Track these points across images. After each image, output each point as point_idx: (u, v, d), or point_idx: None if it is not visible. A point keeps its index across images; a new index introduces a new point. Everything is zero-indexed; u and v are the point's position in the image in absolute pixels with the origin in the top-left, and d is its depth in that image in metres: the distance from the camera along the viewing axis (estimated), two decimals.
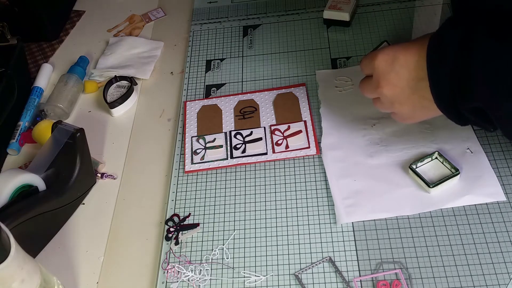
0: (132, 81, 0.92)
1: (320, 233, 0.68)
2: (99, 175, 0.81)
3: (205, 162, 0.78)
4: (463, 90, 0.56)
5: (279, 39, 0.95)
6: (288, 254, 0.67)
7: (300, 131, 0.79)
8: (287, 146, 0.78)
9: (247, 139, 0.80)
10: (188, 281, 0.67)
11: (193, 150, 0.80)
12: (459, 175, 0.69)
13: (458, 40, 0.56)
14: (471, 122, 0.62)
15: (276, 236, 0.69)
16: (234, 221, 0.72)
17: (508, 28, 0.53)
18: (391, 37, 0.90)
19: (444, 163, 0.71)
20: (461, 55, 0.55)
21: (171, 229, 0.72)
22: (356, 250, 0.66)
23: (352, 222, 0.68)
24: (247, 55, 0.93)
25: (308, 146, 0.77)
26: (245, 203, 0.73)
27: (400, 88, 0.62)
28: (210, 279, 0.66)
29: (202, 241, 0.70)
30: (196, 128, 0.83)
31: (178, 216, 0.73)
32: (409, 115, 0.65)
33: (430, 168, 0.71)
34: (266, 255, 0.67)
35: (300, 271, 0.65)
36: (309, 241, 0.68)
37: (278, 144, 0.78)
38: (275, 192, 0.74)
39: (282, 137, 0.79)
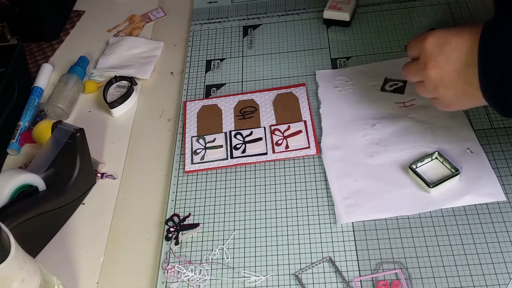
0: (132, 81, 0.92)
1: (320, 233, 0.68)
2: (99, 175, 0.81)
3: (205, 162, 0.78)
4: None
5: (279, 39, 0.95)
6: (288, 254, 0.67)
7: (300, 131, 0.79)
8: (287, 146, 0.78)
9: (247, 139, 0.80)
10: (188, 281, 0.67)
11: (193, 150, 0.80)
12: (459, 175, 0.69)
13: None
14: None
15: (276, 236, 0.69)
16: (234, 221, 0.72)
17: None
18: (390, 37, 0.90)
19: (444, 163, 0.71)
20: None
21: (171, 229, 0.72)
22: (356, 250, 0.66)
23: (352, 222, 0.68)
24: (247, 55, 0.93)
25: (308, 146, 0.77)
26: (245, 203, 0.73)
27: (448, 72, 0.61)
28: (210, 279, 0.66)
29: (202, 241, 0.70)
30: (196, 128, 0.83)
31: (178, 216, 0.73)
32: (451, 101, 0.64)
33: (430, 168, 0.71)
34: (266, 255, 0.67)
35: (300, 271, 0.65)
36: (309, 241, 0.68)
37: (278, 144, 0.78)
38: (275, 192, 0.74)
39: (282, 137, 0.79)
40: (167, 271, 0.68)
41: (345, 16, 0.92)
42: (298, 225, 0.70)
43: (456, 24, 0.89)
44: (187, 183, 0.77)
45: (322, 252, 0.67)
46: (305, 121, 0.80)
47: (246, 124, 0.82)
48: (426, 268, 0.63)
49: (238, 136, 0.81)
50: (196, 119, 0.84)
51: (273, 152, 0.78)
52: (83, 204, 0.79)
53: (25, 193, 0.71)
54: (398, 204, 0.69)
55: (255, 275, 0.66)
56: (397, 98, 0.80)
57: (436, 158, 0.71)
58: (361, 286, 0.63)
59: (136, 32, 1.05)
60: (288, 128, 0.80)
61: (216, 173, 0.77)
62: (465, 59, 0.59)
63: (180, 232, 0.71)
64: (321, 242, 0.67)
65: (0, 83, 0.86)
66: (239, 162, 0.77)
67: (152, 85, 0.94)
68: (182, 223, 0.72)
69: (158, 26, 1.06)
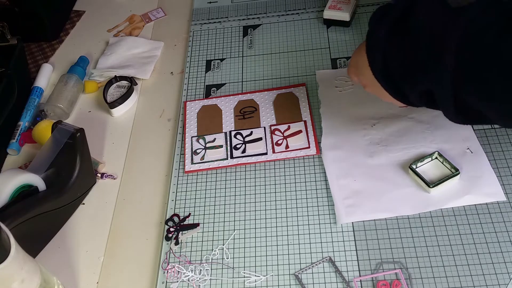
0: (132, 81, 0.92)
1: (320, 233, 0.68)
2: (99, 175, 0.81)
3: (205, 162, 0.78)
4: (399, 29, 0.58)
5: (279, 39, 0.95)
6: (288, 254, 0.67)
7: (300, 131, 0.79)
8: (287, 146, 0.78)
9: (247, 139, 0.80)
10: (188, 281, 0.67)
11: (193, 150, 0.80)
12: (459, 175, 0.69)
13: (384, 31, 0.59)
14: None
15: (276, 236, 0.69)
16: (234, 221, 0.72)
17: None
18: None
19: (444, 163, 0.71)
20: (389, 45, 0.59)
21: (171, 229, 0.72)
22: (356, 250, 0.66)
23: (352, 222, 0.68)
24: (247, 55, 0.93)
25: (308, 146, 0.77)
26: (245, 203, 0.73)
27: (374, 85, 0.64)
28: (210, 279, 0.66)
29: (202, 241, 0.70)
30: (196, 128, 0.83)
31: (178, 216, 0.73)
32: (391, 99, 0.66)
33: (430, 168, 0.71)
34: (266, 255, 0.67)
35: (300, 271, 0.65)
36: (309, 241, 0.68)
37: (278, 144, 0.78)
38: (275, 192, 0.74)
39: (282, 137, 0.79)
40: (167, 271, 0.68)
41: (345, 16, 0.92)
42: (298, 225, 0.70)
43: None
44: (187, 183, 0.77)
45: (322, 252, 0.67)
46: (305, 121, 0.80)
47: (246, 124, 0.82)
48: (426, 268, 0.63)
49: (238, 136, 0.81)
50: (196, 119, 0.84)
51: (273, 152, 0.78)
52: (83, 204, 0.79)
53: (25, 193, 0.71)
54: (398, 204, 0.69)
55: (255, 275, 0.66)
56: None
57: (436, 158, 0.71)
58: (361, 286, 0.63)
59: (136, 32, 1.05)
60: (288, 128, 0.80)
61: (216, 173, 0.77)
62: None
63: (180, 232, 0.71)
64: (321, 242, 0.67)
65: (0, 83, 0.86)
66: (239, 162, 0.77)
67: (152, 85, 0.94)
68: (182, 223, 0.72)
69: (158, 26, 1.06)
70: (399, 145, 0.74)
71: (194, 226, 0.72)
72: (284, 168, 0.76)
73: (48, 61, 1.02)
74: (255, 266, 0.67)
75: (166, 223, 0.73)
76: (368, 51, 0.62)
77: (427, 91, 0.57)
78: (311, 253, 0.67)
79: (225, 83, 0.90)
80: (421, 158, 0.71)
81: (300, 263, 0.66)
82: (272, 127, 0.81)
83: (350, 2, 0.93)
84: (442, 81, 0.53)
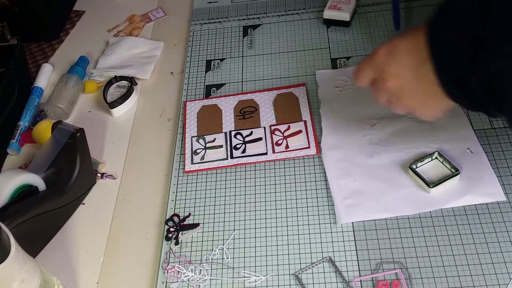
0: (132, 81, 0.92)
1: (320, 233, 0.68)
2: (99, 175, 0.81)
3: (205, 162, 0.78)
4: (477, 52, 0.50)
5: (279, 39, 0.95)
6: (288, 254, 0.67)
7: (300, 131, 0.79)
8: (287, 146, 0.78)
9: (247, 139, 0.80)
10: (188, 281, 0.67)
11: (193, 150, 0.80)
12: (459, 175, 0.69)
13: (469, 4, 0.51)
14: (478, 104, 0.54)
15: (276, 236, 0.69)
16: (234, 221, 0.72)
17: None
18: (390, 37, 0.90)
19: (444, 163, 0.71)
20: (474, 18, 0.50)
21: (171, 229, 0.72)
22: (356, 250, 0.66)
23: (352, 222, 0.68)
24: (247, 55, 0.93)
25: (308, 146, 0.77)
26: (245, 203, 0.73)
27: (404, 77, 0.58)
28: (210, 279, 0.66)
29: (202, 241, 0.70)
30: (196, 128, 0.83)
31: (178, 216, 0.73)
32: (421, 106, 0.61)
33: (430, 168, 0.71)
34: (266, 255, 0.67)
35: (300, 271, 0.65)
36: (309, 241, 0.68)
37: (278, 144, 0.78)
38: (275, 192, 0.74)
39: (282, 137, 0.79)
40: (167, 271, 0.68)
41: (345, 16, 0.92)
42: (298, 225, 0.70)
43: None
44: (187, 183, 0.77)
45: (322, 252, 0.67)
46: (305, 121, 0.80)
47: (246, 124, 0.82)
48: (426, 268, 0.63)
49: (238, 136, 0.81)
50: (196, 119, 0.84)
51: (273, 152, 0.78)
52: (83, 204, 0.79)
53: (25, 193, 0.71)
54: (398, 204, 0.69)
55: (255, 275, 0.66)
56: None
57: (436, 158, 0.71)
58: (361, 286, 0.63)
59: (136, 32, 1.05)
60: (288, 128, 0.80)
61: (216, 173, 0.77)
62: (417, 56, 0.56)
63: (180, 232, 0.71)
64: (321, 242, 0.67)
65: (0, 83, 0.86)
66: (239, 162, 0.77)
67: (152, 85, 0.94)
68: (182, 223, 0.72)
69: (158, 26, 1.06)
70: (399, 145, 0.74)
71: (194, 226, 0.72)
72: (284, 168, 0.76)
73: (48, 61, 1.02)
74: (255, 266, 0.67)
75: (166, 223, 0.73)
76: (441, 30, 0.53)
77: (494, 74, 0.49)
78: (311, 253, 0.67)
79: (225, 83, 0.90)
80: (421, 158, 0.71)
81: (300, 263, 0.66)
82: (272, 127, 0.81)
83: (350, 2, 0.93)
84: None
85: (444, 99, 0.57)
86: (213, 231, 0.71)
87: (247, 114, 0.84)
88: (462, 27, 0.51)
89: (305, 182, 0.74)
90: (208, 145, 0.80)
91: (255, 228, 0.70)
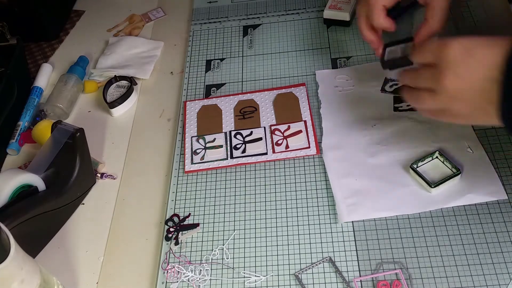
0: (132, 81, 0.92)
1: (320, 233, 0.68)
2: (99, 175, 0.81)
3: (205, 162, 0.78)
4: None
5: (279, 39, 0.95)
6: (288, 254, 0.67)
7: (300, 131, 0.79)
8: (287, 146, 0.78)
9: (247, 139, 0.80)
10: (188, 281, 0.67)
11: (193, 150, 0.80)
12: (460, 175, 0.69)
13: None
14: None
15: (276, 236, 0.69)
16: (234, 221, 0.71)
17: None
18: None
19: (444, 162, 0.70)
20: None
21: (171, 229, 0.72)
22: (356, 250, 0.66)
23: (352, 222, 0.68)
24: (247, 55, 0.93)
25: (308, 146, 0.77)
26: (245, 203, 0.73)
27: (469, 84, 0.56)
28: (210, 279, 0.66)
29: (202, 241, 0.70)
30: (196, 128, 0.83)
31: (178, 216, 0.73)
32: (462, 115, 0.59)
33: (431, 167, 0.71)
34: (266, 255, 0.67)
35: (300, 271, 0.65)
36: (309, 241, 0.68)
37: (278, 144, 0.78)
38: (275, 192, 0.73)
39: (282, 137, 0.79)
40: (167, 271, 0.68)
41: (345, 16, 0.92)
42: (298, 225, 0.70)
43: (456, 25, 0.89)
44: (187, 183, 0.77)
45: (322, 252, 0.67)
46: (305, 121, 0.80)
47: (246, 124, 0.82)
48: (426, 268, 0.63)
49: (238, 136, 0.81)
50: (196, 119, 0.84)
51: (273, 152, 0.78)
52: (83, 204, 0.78)
53: (25, 193, 0.71)
54: (399, 203, 0.69)
55: (255, 275, 0.66)
56: (398, 100, 0.80)
57: (437, 157, 0.71)
58: (361, 286, 0.63)
59: (136, 32, 1.05)
60: (288, 128, 0.80)
61: (216, 173, 0.77)
62: (491, 74, 0.54)
63: (180, 232, 0.71)
64: (321, 242, 0.67)
65: (0, 83, 0.86)
66: (239, 162, 0.77)
67: (152, 85, 0.94)
68: (182, 223, 0.72)
69: (158, 26, 1.06)
70: (399, 145, 0.74)
71: (194, 226, 0.72)
72: (284, 168, 0.76)
73: (48, 61, 1.02)
74: (255, 266, 0.67)
75: (166, 223, 0.73)
76: None
77: None
78: (311, 253, 0.67)
79: (225, 83, 0.90)
80: (422, 157, 0.71)
81: (300, 263, 0.66)
82: (272, 127, 0.81)
83: (350, 2, 0.93)
84: None
85: (490, 119, 0.56)
86: (213, 231, 0.71)
87: (247, 114, 0.84)
88: None
89: (305, 182, 0.74)
90: (208, 145, 0.80)
91: (255, 228, 0.70)
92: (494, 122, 0.57)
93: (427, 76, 0.60)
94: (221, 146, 0.80)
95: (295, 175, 0.75)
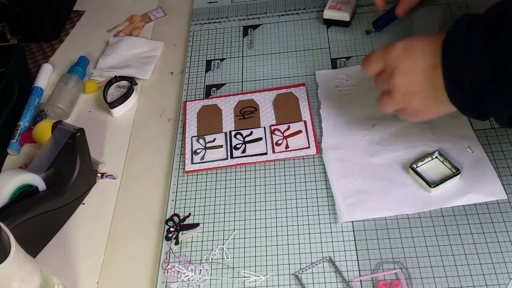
0: (132, 81, 0.92)
1: (320, 233, 0.68)
2: (99, 175, 0.81)
3: (205, 162, 0.78)
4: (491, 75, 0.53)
5: (279, 39, 0.95)
6: (288, 254, 0.67)
7: (300, 131, 0.79)
8: (287, 146, 0.78)
9: (247, 139, 0.80)
10: (188, 281, 0.67)
11: (193, 150, 0.80)
12: (459, 175, 0.69)
13: (489, 22, 0.53)
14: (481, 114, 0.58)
15: (276, 236, 0.69)
16: (234, 221, 0.72)
17: None
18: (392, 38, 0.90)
19: (444, 162, 0.71)
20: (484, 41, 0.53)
21: (171, 229, 0.72)
22: (356, 250, 0.66)
23: (352, 222, 0.68)
24: (247, 55, 0.93)
25: (308, 146, 0.77)
26: (245, 203, 0.73)
27: (414, 76, 0.61)
28: (210, 279, 0.66)
29: (202, 241, 0.70)
30: (196, 128, 0.83)
31: (178, 216, 0.73)
32: (419, 108, 0.63)
33: (430, 167, 0.71)
34: (266, 255, 0.67)
35: (300, 271, 0.65)
36: (309, 241, 0.68)
37: (278, 144, 0.78)
38: (275, 192, 0.74)
39: (282, 137, 0.79)
40: (167, 271, 0.68)
41: (345, 16, 0.92)
42: (298, 225, 0.70)
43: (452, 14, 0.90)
44: (187, 183, 0.77)
45: (322, 252, 0.67)
46: (305, 121, 0.80)
47: (246, 124, 0.82)
48: (426, 268, 0.63)
49: (238, 136, 0.81)
50: (196, 119, 0.85)
51: (273, 152, 0.78)
52: (83, 204, 0.79)
53: (25, 193, 0.71)
54: (399, 203, 0.69)
55: (255, 275, 0.66)
56: None
57: (437, 157, 0.71)
58: (361, 286, 0.63)
59: (136, 32, 1.05)
60: (288, 128, 0.80)
61: (216, 173, 0.77)
62: (432, 60, 0.59)
63: (180, 232, 0.71)
64: (321, 242, 0.67)
65: (0, 83, 0.86)
66: (239, 162, 0.77)
67: (152, 85, 0.94)
68: (182, 223, 0.72)
69: (158, 26, 1.06)
70: (399, 145, 0.74)
71: (194, 226, 0.72)
72: (284, 168, 0.76)
73: (48, 61, 1.02)
74: (255, 266, 0.67)
75: (166, 223, 0.73)
76: (455, 53, 0.56)
77: None
78: (311, 253, 0.67)
79: (225, 83, 0.90)
80: (421, 157, 0.71)
81: (300, 263, 0.66)
82: (272, 127, 0.81)
83: (350, 2, 0.93)
84: None
85: (446, 106, 0.60)
86: (213, 231, 0.71)
87: (247, 114, 0.84)
88: (473, 54, 0.54)
89: (305, 182, 0.74)
90: (208, 145, 0.80)
91: (255, 228, 0.70)
92: (450, 109, 0.60)
93: (384, 80, 0.65)
94: (221, 146, 0.80)
95: (295, 175, 0.75)
